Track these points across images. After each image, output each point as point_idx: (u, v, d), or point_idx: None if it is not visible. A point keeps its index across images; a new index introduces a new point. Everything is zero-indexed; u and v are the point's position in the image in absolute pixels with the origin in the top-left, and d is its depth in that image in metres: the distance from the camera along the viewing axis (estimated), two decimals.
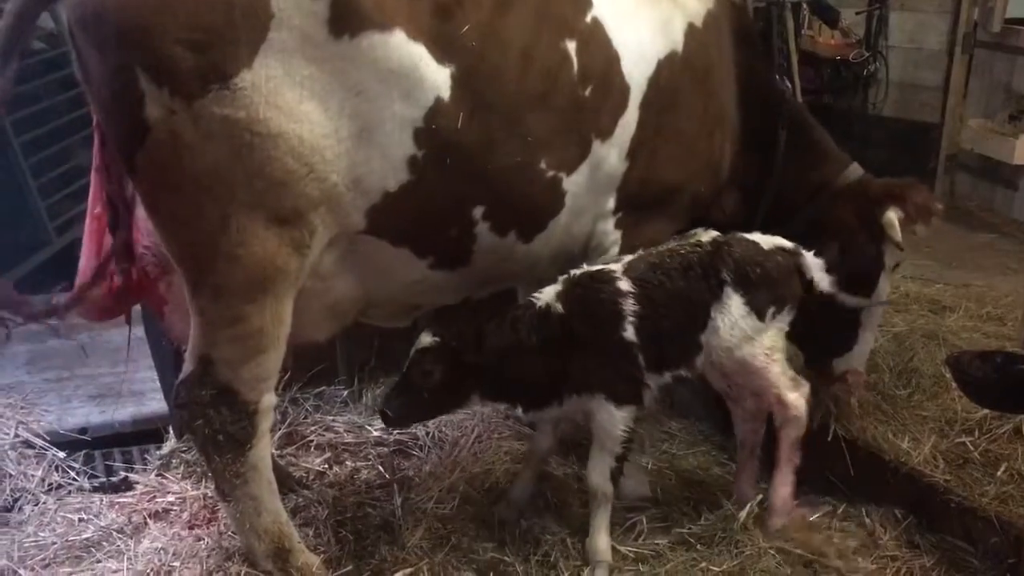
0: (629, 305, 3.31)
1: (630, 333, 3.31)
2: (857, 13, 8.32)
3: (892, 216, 3.71)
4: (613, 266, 3.42)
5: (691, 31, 3.63)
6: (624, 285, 3.33)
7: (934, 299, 5.14)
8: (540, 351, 3.32)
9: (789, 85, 4.14)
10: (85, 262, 3.27)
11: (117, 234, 3.21)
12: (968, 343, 4.50)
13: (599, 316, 3.32)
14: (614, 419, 3.35)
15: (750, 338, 3.43)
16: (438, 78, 2.98)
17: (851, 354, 3.91)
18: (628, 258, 3.47)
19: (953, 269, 6.01)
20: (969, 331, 4.75)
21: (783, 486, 3.63)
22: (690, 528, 3.68)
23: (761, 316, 3.41)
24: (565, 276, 3.40)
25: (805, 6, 6.90)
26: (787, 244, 3.53)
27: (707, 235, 3.57)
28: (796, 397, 3.55)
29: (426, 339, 3.28)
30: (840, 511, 3.79)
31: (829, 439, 3.88)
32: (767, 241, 3.52)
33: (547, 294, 3.37)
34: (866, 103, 8.48)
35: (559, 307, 3.33)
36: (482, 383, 3.38)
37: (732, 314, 3.38)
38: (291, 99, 2.80)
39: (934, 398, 4.15)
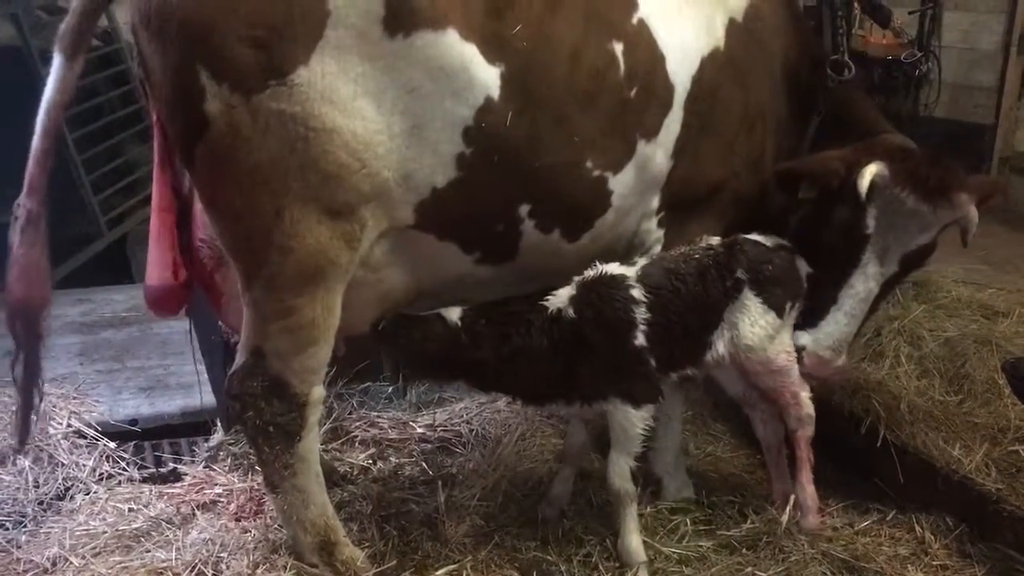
0: (641, 313, 3.31)
1: (641, 340, 3.31)
2: (910, 13, 8.16)
3: (870, 167, 3.40)
4: (627, 271, 3.39)
5: (732, 27, 3.62)
6: (637, 293, 3.32)
7: (986, 304, 5.02)
8: (548, 354, 3.32)
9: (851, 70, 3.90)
10: (159, 255, 3.29)
11: (183, 228, 3.28)
12: (1022, 349, 4.40)
13: (610, 324, 3.31)
14: (632, 420, 3.34)
15: (771, 336, 3.46)
16: (488, 77, 3.00)
17: (816, 332, 3.62)
18: (643, 262, 3.45)
19: (1006, 273, 5.88)
20: (1023, 337, 4.65)
21: (807, 484, 3.65)
22: (734, 531, 3.66)
23: (780, 313, 3.45)
24: (579, 279, 3.38)
25: (856, 5, 6.79)
26: (784, 242, 3.60)
27: (714, 239, 3.55)
28: (807, 396, 3.60)
29: (452, 313, 3.30)
30: (890, 518, 3.75)
31: (878, 445, 3.83)
32: (769, 240, 3.56)
33: (560, 298, 3.35)
34: (918, 104, 8.32)
35: (571, 312, 3.32)
36: (473, 378, 3.43)
37: (752, 313, 3.42)
38: (346, 95, 2.84)
39: (986, 405, 4.07)
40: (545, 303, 3.35)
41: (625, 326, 3.31)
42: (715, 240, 3.54)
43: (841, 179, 3.50)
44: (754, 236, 3.56)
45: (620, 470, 3.39)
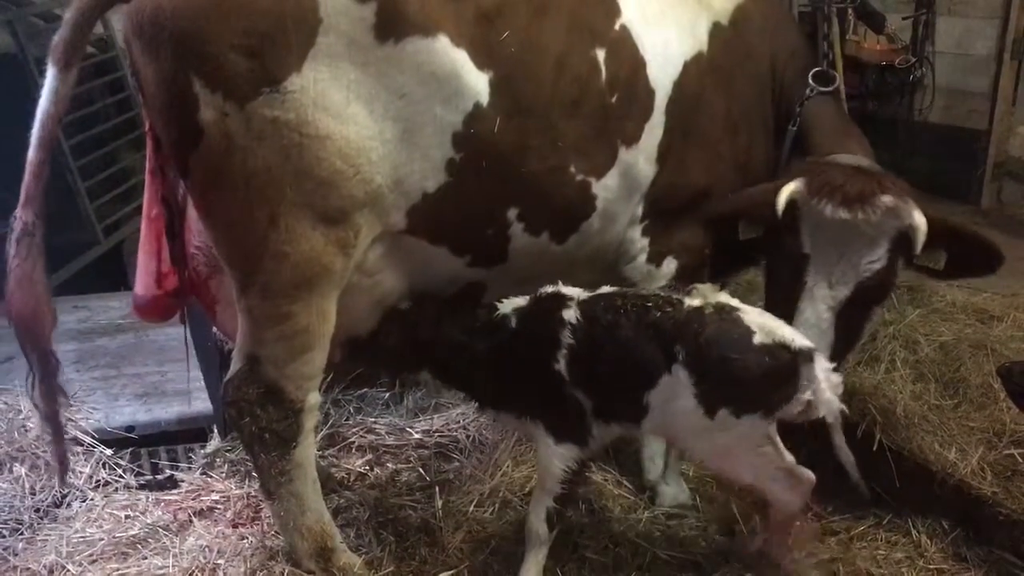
0: (565, 336, 3.11)
1: (561, 366, 3.12)
2: (904, 18, 8.22)
3: (787, 186, 3.31)
4: (575, 293, 3.22)
5: (716, 30, 3.61)
6: (569, 315, 3.13)
7: (981, 308, 5.04)
8: (487, 357, 3.26)
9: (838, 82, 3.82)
10: (144, 263, 3.34)
11: (174, 236, 3.28)
12: (1017, 353, 4.41)
13: (536, 339, 3.19)
14: (551, 454, 3.19)
15: (697, 431, 3.01)
16: (478, 83, 3.03)
17: None
18: (604, 290, 3.26)
19: (1001, 278, 5.88)
20: (1018, 341, 4.64)
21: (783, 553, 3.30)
22: (729, 538, 3.65)
23: (709, 412, 2.94)
24: (537, 292, 3.31)
25: (850, 11, 6.82)
26: (797, 342, 2.94)
27: (707, 297, 3.10)
28: (785, 492, 3.10)
29: (403, 304, 3.32)
30: (886, 522, 3.75)
31: (875, 449, 3.83)
32: (770, 332, 2.95)
33: (510, 304, 3.30)
34: (912, 110, 8.36)
35: (512, 321, 3.26)
36: (433, 364, 3.39)
37: (680, 400, 2.96)
38: (338, 102, 2.86)
39: (982, 409, 4.08)
40: (498, 305, 3.31)
41: (546, 344, 3.14)
42: (699, 300, 3.08)
43: (772, 207, 3.37)
44: (758, 319, 3.01)
45: (536, 508, 3.26)
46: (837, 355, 3.34)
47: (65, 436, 3.88)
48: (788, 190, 3.33)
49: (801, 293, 3.38)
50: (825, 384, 2.95)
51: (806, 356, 2.94)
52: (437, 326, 3.29)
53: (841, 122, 3.83)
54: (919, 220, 3.24)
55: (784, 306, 3.39)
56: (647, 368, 3.01)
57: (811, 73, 3.77)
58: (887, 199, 3.25)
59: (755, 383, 2.92)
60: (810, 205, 3.31)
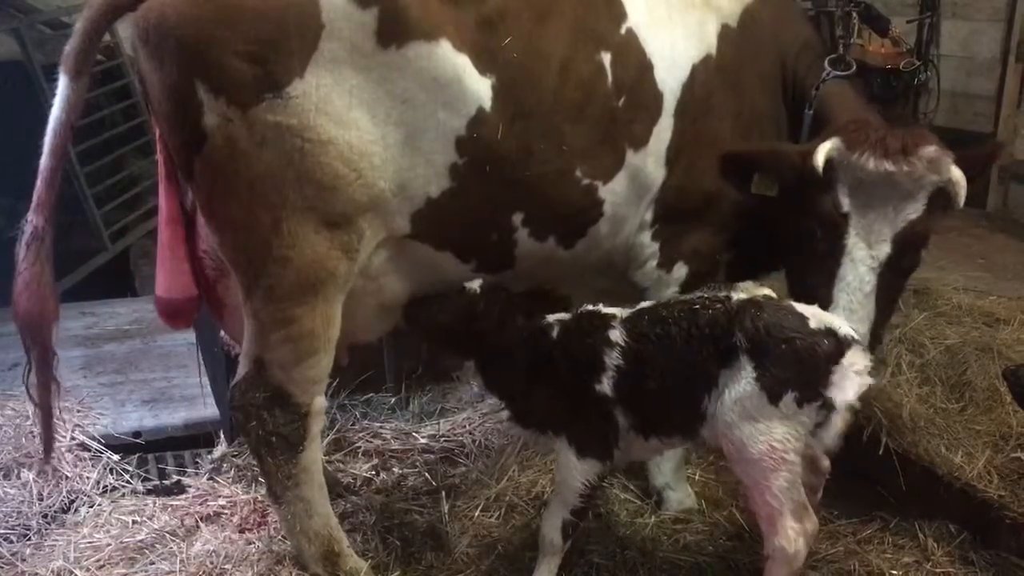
0: (612, 358, 3.09)
1: (606, 386, 3.10)
2: (908, 21, 8.20)
3: (824, 144, 3.22)
4: (618, 312, 3.21)
5: (725, 33, 3.58)
6: (615, 335, 3.11)
7: (988, 311, 5.01)
8: (527, 370, 3.24)
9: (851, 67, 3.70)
10: (175, 268, 3.27)
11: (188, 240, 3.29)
12: (1023, 356, 4.41)
13: (579, 361, 3.16)
14: (573, 469, 3.17)
15: (753, 419, 2.93)
16: (480, 88, 3.04)
17: None
18: (643, 305, 3.24)
19: (1007, 281, 5.90)
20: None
21: None
22: (735, 543, 3.65)
23: (773, 398, 2.90)
24: (579, 308, 3.31)
25: (855, 14, 6.81)
26: (843, 329, 2.99)
27: (749, 292, 3.20)
28: (794, 529, 2.99)
29: (474, 284, 3.25)
30: (892, 526, 3.75)
31: (881, 453, 3.83)
32: (820, 319, 3.00)
33: (555, 319, 3.28)
34: (917, 113, 8.34)
35: (553, 335, 3.24)
36: (478, 359, 3.36)
37: (739, 386, 2.93)
38: (340, 107, 2.88)
39: (988, 412, 4.06)
40: (547, 319, 3.29)
41: (589, 363, 3.13)
42: (743, 294, 3.15)
43: (801, 170, 3.30)
44: (805, 308, 3.05)
45: (550, 518, 3.26)
46: (877, 327, 3.29)
47: (57, 434, 3.91)
48: (826, 147, 3.23)
49: (840, 258, 3.27)
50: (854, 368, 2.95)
51: (850, 341, 2.97)
52: (495, 322, 3.23)
53: (859, 99, 3.74)
54: (957, 175, 3.19)
55: (817, 283, 3.31)
56: (709, 367, 2.99)
57: (827, 59, 3.70)
58: (930, 150, 3.19)
59: (823, 368, 2.91)
60: (850, 161, 3.22)
